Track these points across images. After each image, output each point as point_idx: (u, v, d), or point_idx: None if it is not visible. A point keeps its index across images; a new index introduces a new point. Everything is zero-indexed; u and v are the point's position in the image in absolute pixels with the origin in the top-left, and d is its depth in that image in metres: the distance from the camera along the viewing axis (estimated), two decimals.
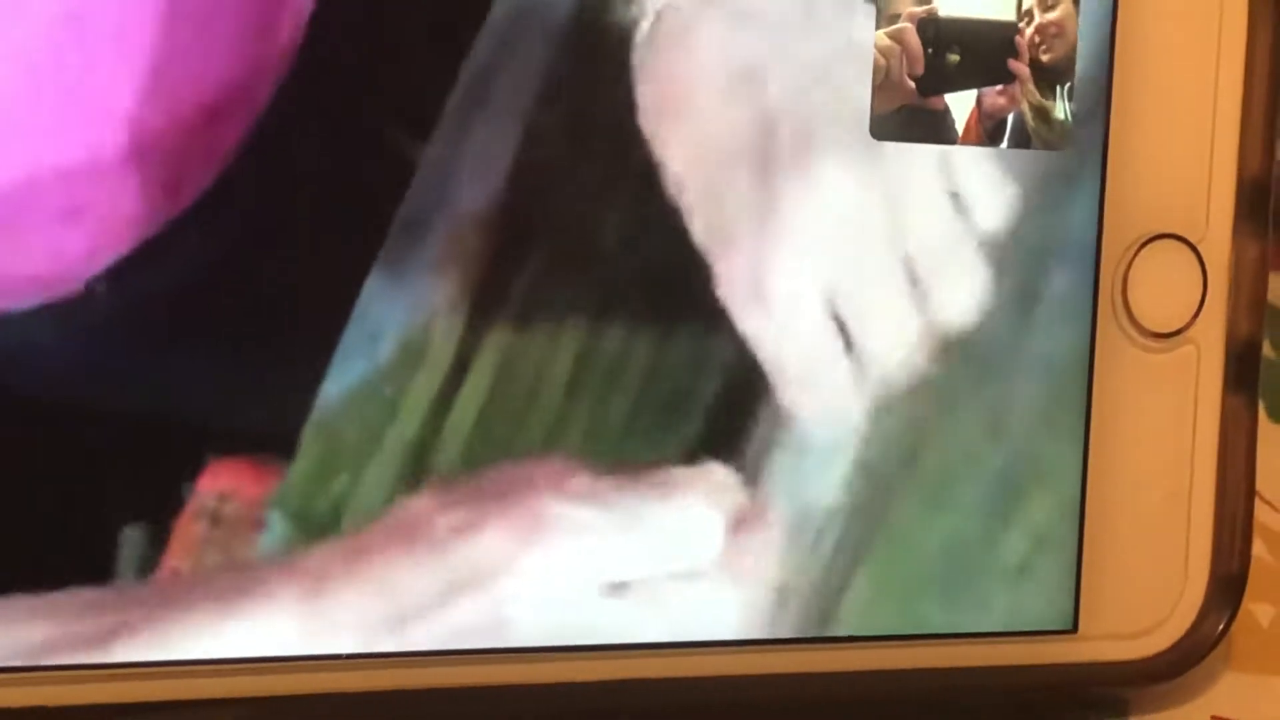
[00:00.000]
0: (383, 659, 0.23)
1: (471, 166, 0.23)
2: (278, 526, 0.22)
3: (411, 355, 0.23)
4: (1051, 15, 0.25)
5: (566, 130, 0.23)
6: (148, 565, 0.22)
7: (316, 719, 0.23)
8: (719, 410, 0.24)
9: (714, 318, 0.24)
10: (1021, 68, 0.25)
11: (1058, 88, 0.25)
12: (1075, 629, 0.26)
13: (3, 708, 0.22)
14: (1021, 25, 0.25)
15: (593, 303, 0.23)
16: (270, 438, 0.22)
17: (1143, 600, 0.26)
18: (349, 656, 0.23)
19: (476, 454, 0.23)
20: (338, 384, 0.22)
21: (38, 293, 0.21)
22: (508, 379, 0.23)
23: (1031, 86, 0.25)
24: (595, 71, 0.23)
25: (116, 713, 0.22)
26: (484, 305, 0.23)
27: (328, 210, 0.22)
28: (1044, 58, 0.25)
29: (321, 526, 0.23)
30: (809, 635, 0.25)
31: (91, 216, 0.21)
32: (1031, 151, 0.25)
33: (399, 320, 0.23)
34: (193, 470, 0.22)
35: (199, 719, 0.23)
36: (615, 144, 0.23)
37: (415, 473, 0.23)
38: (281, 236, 0.22)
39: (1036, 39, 0.25)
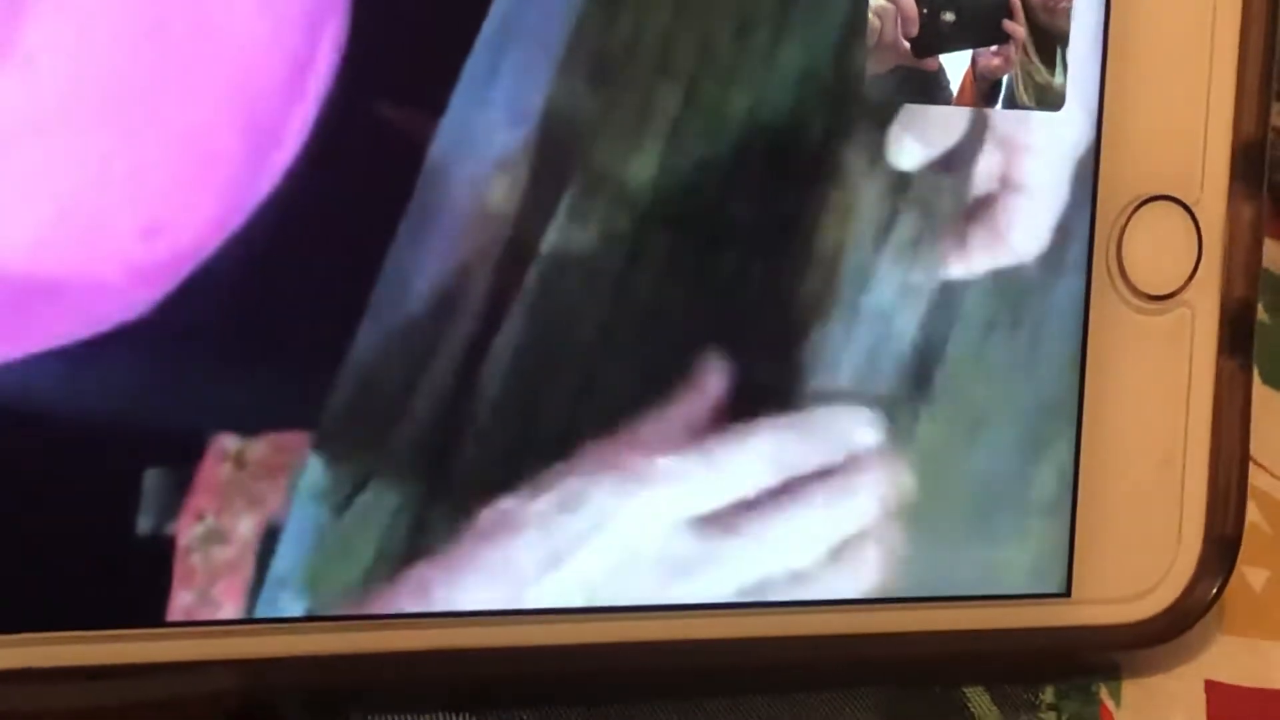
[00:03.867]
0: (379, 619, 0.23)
1: (500, 109, 0.23)
2: (316, 468, 0.22)
3: (444, 302, 0.23)
4: None
5: (597, 70, 0.23)
6: (170, 509, 0.22)
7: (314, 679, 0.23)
8: None
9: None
10: (1016, 29, 0.25)
11: (1053, 49, 0.25)
12: (1068, 593, 0.26)
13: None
14: None
15: (627, 245, 0.23)
16: (298, 404, 0.22)
17: (1136, 564, 0.26)
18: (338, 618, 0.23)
19: (512, 399, 0.23)
20: (372, 331, 0.22)
21: (113, 315, 0.21)
22: (542, 323, 0.23)
23: (1027, 48, 0.25)
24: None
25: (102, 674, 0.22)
26: (516, 250, 0.23)
27: (352, 163, 0.22)
28: (1048, 19, 0.25)
29: (359, 471, 0.23)
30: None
31: (169, 232, 0.21)
32: (1026, 112, 0.25)
33: (430, 269, 0.22)
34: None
35: (193, 682, 0.23)
36: (648, 81, 0.23)
37: (450, 420, 0.23)
38: (310, 196, 0.22)
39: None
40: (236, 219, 0.22)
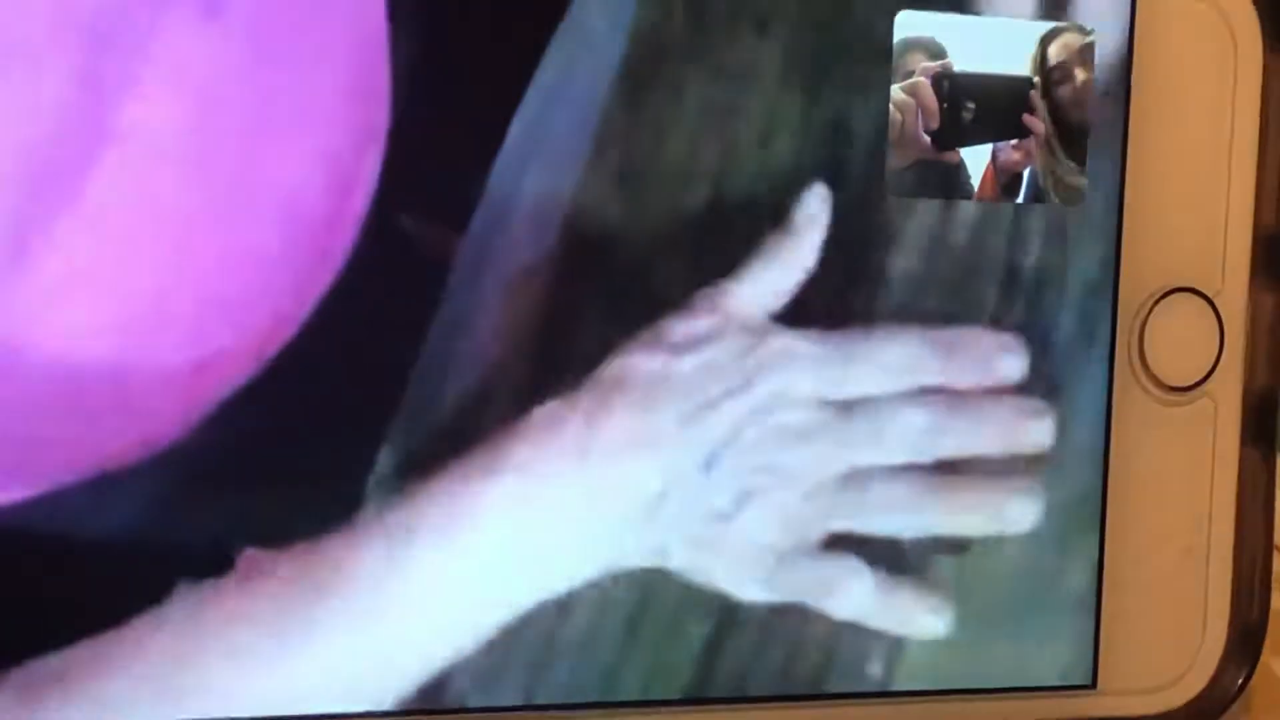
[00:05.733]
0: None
1: (524, 222, 0.23)
2: None
3: (471, 415, 0.23)
4: (1079, 76, 0.25)
5: (620, 182, 0.23)
6: None
7: None
8: None
9: None
10: (1036, 124, 0.25)
11: (1074, 144, 0.25)
12: (1094, 684, 0.26)
13: None
14: (1039, 80, 0.25)
15: None
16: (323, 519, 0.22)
17: (1162, 654, 0.26)
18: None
19: None
20: (398, 445, 0.23)
21: (158, 441, 0.22)
22: None
23: (1050, 142, 0.25)
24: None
25: None
26: (542, 363, 0.23)
27: (382, 279, 0.22)
28: (1069, 114, 0.25)
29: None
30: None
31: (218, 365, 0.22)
32: (1047, 206, 0.25)
33: (458, 379, 0.23)
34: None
35: None
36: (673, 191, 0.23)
37: None
38: (335, 312, 0.22)
39: (1068, 95, 0.25)
40: (276, 346, 0.22)
